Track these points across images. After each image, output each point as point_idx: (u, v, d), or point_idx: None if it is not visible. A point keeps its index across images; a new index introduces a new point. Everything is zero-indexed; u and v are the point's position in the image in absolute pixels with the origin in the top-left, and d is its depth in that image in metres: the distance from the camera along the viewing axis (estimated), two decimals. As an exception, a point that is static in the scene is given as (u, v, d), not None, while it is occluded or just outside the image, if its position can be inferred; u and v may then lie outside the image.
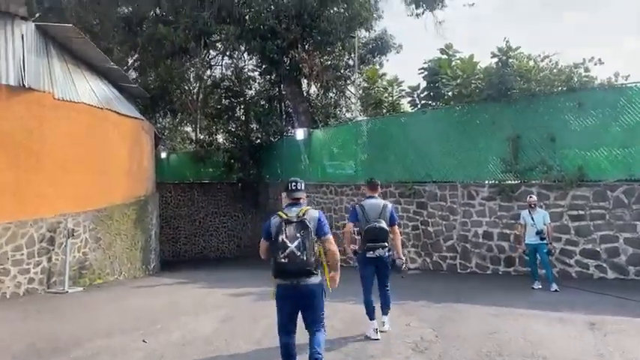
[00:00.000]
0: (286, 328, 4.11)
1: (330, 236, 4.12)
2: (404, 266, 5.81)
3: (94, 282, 11.74)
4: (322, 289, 4.07)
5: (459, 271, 11.29)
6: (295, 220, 3.97)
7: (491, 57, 10.98)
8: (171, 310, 7.70)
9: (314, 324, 4.06)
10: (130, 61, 22.14)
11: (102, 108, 12.50)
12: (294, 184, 4.25)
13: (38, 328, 6.68)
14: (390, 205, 5.66)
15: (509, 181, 10.72)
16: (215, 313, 7.24)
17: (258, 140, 21.15)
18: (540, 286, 8.64)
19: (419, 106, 13.37)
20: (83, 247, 11.52)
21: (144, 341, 5.66)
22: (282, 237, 3.86)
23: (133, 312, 7.71)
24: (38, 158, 10.31)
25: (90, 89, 12.32)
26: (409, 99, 13.55)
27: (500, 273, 10.59)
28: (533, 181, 10.36)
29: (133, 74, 21.75)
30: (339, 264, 4.18)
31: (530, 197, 8.88)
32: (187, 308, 7.78)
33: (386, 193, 12.82)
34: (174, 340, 5.71)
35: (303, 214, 4.02)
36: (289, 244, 3.83)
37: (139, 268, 14.23)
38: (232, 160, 21.28)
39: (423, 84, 13.26)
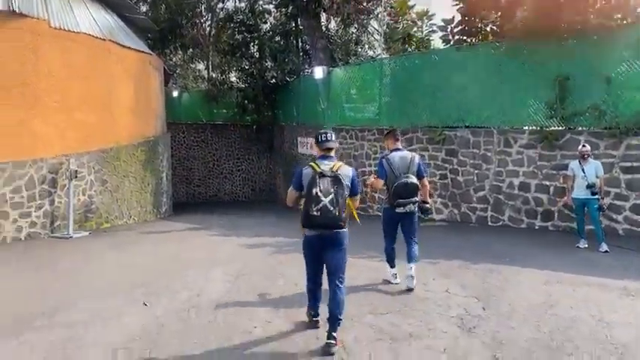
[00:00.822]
0: (314, 279, 4.24)
1: (359, 196, 4.24)
2: (428, 210, 5.72)
3: (101, 226, 11.16)
4: (347, 237, 4.10)
5: (489, 223, 10.43)
6: (329, 174, 3.92)
7: (541, -16, 9.57)
8: (180, 263, 7.02)
9: (336, 272, 4.07)
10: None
11: (104, 39, 11.44)
12: (324, 134, 4.15)
13: (28, 283, 6.04)
14: (417, 157, 5.45)
15: (553, 128, 9.63)
16: (227, 267, 6.53)
17: (273, 80, 19.96)
18: (587, 245, 7.77)
19: (452, 42, 12.06)
20: (88, 189, 10.84)
21: (144, 304, 4.96)
22: (315, 190, 3.84)
23: (137, 264, 7.04)
24: (34, 94, 9.42)
25: (91, 18, 11.23)
26: (441, 34, 12.21)
27: (536, 228, 9.72)
28: (581, 128, 9.26)
29: (143, 8, 20.42)
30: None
31: (584, 147, 7.82)
32: (197, 260, 7.10)
33: (412, 139, 11.83)
34: (179, 304, 5.00)
35: (337, 170, 3.98)
36: (323, 199, 3.83)
37: (149, 212, 13.63)
38: (246, 101, 20.22)
39: (458, 18, 11.88)
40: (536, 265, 6.49)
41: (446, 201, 11.28)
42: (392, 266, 5.62)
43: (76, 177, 9.94)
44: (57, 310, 4.86)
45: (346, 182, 3.97)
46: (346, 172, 4.05)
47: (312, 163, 4.04)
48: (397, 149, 5.48)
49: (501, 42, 10.50)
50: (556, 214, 9.53)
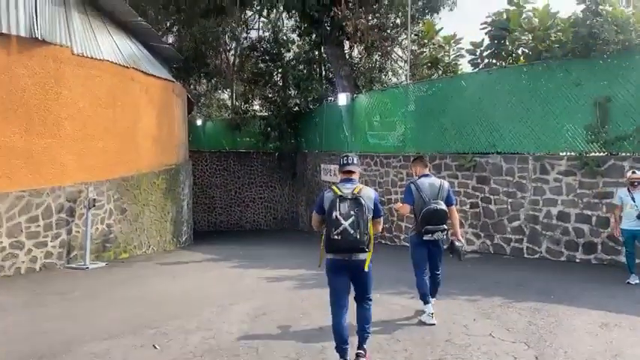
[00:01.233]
0: (339, 303, 4.03)
1: (382, 219, 4.20)
2: (463, 249, 5.59)
3: (120, 256, 10.85)
4: (370, 261, 4.02)
5: (525, 255, 9.76)
6: (349, 197, 3.88)
7: (577, 3, 9.13)
8: (196, 299, 6.58)
9: (364, 294, 4.10)
10: (167, 25, 20.99)
11: (128, 67, 11.37)
12: (346, 158, 4.17)
13: (32, 321, 5.65)
14: (447, 185, 5.34)
15: (594, 153, 9.02)
16: (246, 305, 6.06)
17: (297, 107, 19.78)
18: (638, 281, 7.07)
19: (481, 66, 11.63)
20: (107, 218, 10.59)
21: (154, 347, 4.52)
22: (335, 214, 3.81)
23: (151, 299, 6.63)
24: (55, 121, 9.28)
25: (114, 46, 11.18)
26: (470, 58, 11.80)
27: (577, 261, 9.02)
28: (625, 153, 8.64)
29: (169, 39, 20.64)
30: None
31: (634, 173, 7.20)
32: (214, 296, 6.65)
33: (440, 166, 11.32)
34: (192, 347, 4.53)
35: (358, 192, 3.95)
36: (343, 222, 3.79)
37: (169, 241, 13.33)
38: (269, 129, 20.06)
39: (487, 41, 11.48)
40: (586, 304, 5.85)
41: (477, 231, 10.66)
42: (426, 302, 5.30)
43: (95, 205, 9.69)
44: (57, 354, 4.45)
45: (368, 204, 3.93)
46: (368, 194, 4.01)
47: (334, 187, 4.02)
48: (425, 175, 5.39)
49: (535, 63, 10.03)
50: (599, 247, 8.84)
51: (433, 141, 11.74)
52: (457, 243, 5.38)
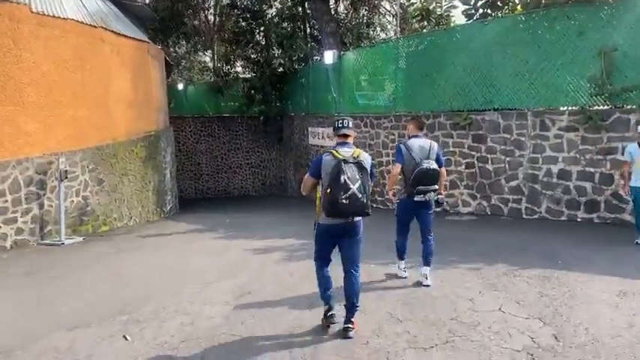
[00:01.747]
0: (324, 257, 4.14)
1: (373, 181, 4.16)
2: (444, 202, 5.69)
3: (99, 229, 10.28)
4: (363, 226, 4.08)
5: (524, 216, 9.35)
6: (352, 160, 3.86)
7: (582, -57, 8.40)
8: (176, 276, 6.06)
9: (353, 263, 4.05)
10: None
11: (96, 26, 10.48)
12: (341, 121, 4.11)
13: None
14: (436, 146, 5.29)
15: (598, 107, 8.50)
16: (230, 282, 5.56)
17: (281, 68, 18.91)
18: (646, 242, 6.69)
19: (475, 17, 10.92)
20: (83, 190, 9.95)
21: (125, 337, 4.00)
22: (344, 177, 3.76)
23: (128, 277, 6.11)
24: (17, 87, 8.49)
25: (80, 3, 10.27)
26: (464, 8, 11.07)
27: (578, 220, 8.62)
28: (632, 106, 8.12)
29: (145, -1, 19.43)
30: None
31: (645, 127, 6.71)
32: (196, 272, 6.14)
33: (434, 125, 10.76)
34: (167, 337, 4.02)
35: (358, 156, 3.92)
36: (351, 186, 3.76)
37: (152, 212, 12.75)
38: (252, 91, 19.23)
39: (482, -11, 10.74)
40: (597, 269, 5.44)
41: (473, 192, 10.21)
42: (401, 259, 5.53)
43: (67, 177, 9.03)
44: (12, 350, 3.91)
45: (368, 168, 3.93)
46: (366, 158, 3.99)
47: (332, 151, 3.94)
48: (416, 136, 5.31)
49: (534, 12, 9.35)
50: (602, 205, 8.43)
51: (426, 99, 11.13)
52: (439, 197, 5.29)
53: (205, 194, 21.84)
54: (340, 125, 4.08)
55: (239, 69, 20.97)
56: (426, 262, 5.30)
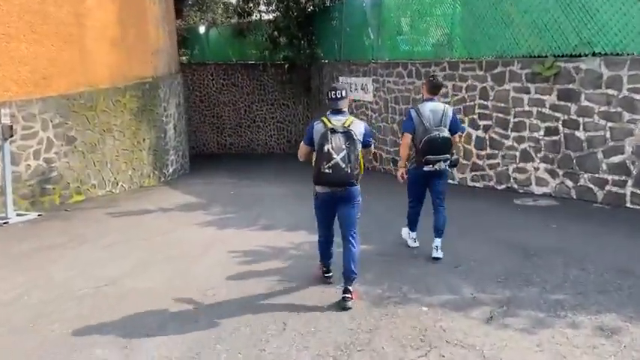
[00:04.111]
0: (325, 226, 4.12)
1: (372, 147, 4.10)
2: (457, 162, 5.14)
3: (70, 200, 8.24)
4: (359, 195, 3.97)
5: (628, 204, 6.71)
6: (341, 130, 3.79)
7: None
8: (97, 313, 3.87)
9: (349, 227, 3.97)
10: None
11: (63, -63, 8.05)
12: (334, 92, 3.96)
13: None
14: (451, 110, 4.84)
15: None
16: (175, 341, 3.30)
17: (310, 6, 16.11)
18: None
19: None
20: (45, 150, 7.85)
21: None
22: (327, 147, 3.73)
23: (24, 305, 3.95)
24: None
25: None
26: None
27: None
28: None
29: None
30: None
31: None
32: (136, 303, 3.93)
33: (503, 75, 8.07)
34: None
35: (349, 125, 3.84)
36: (335, 156, 3.72)
37: (147, 175, 10.64)
38: (277, 34, 16.57)
39: None
40: None
41: (554, 167, 7.57)
42: (413, 229, 5.19)
43: (12, 135, 6.88)
44: None
45: (358, 138, 3.84)
46: (358, 127, 3.90)
47: (324, 118, 3.91)
48: (429, 99, 4.89)
49: None
50: None
51: (493, 39, 8.35)
52: (453, 157, 4.87)
53: (228, 149, 19.91)
54: (334, 97, 3.95)
55: (262, 7, 18.23)
56: (438, 234, 4.87)
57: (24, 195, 7.47)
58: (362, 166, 3.93)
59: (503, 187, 8.25)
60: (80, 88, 8.54)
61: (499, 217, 6.49)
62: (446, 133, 4.65)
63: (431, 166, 4.69)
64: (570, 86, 7.26)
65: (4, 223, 6.62)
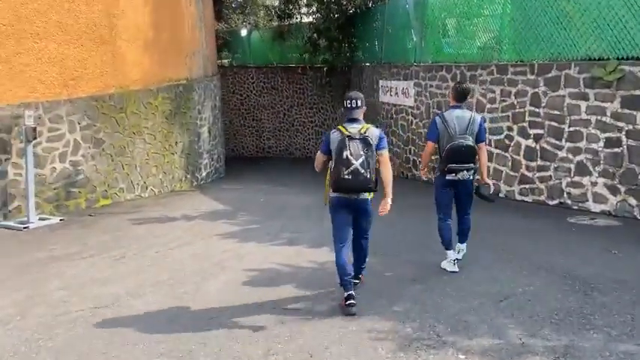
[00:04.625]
0: (343, 236, 4.01)
1: (385, 152, 4.01)
2: (491, 191, 4.99)
3: (97, 204, 8.06)
4: (370, 207, 4.01)
5: None
6: (358, 137, 3.83)
7: None
8: (111, 327, 3.49)
9: (363, 233, 4.13)
10: None
11: None
12: (349, 101, 3.99)
13: None
14: (479, 118, 4.71)
15: None
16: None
17: (352, 8, 15.61)
18: None
19: None
20: (71, 153, 7.68)
21: None
22: (346, 153, 3.77)
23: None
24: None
25: None
26: None
27: None
28: None
29: None
30: (390, 186, 3.99)
31: None
32: (145, 325, 3.53)
33: (558, 80, 7.31)
34: None
35: (365, 132, 3.87)
36: (354, 162, 3.77)
37: (179, 179, 10.41)
38: (317, 36, 16.17)
39: None
40: None
41: (615, 183, 6.76)
42: (448, 248, 4.78)
43: (35, 137, 6.69)
44: None
45: (375, 143, 3.86)
46: (374, 132, 3.94)
47: (340, 127, 3.95)
48: (457, 107, 4.73)
49: None
50: None
51: (546, 40, 7.61)
52: (483, 187, 4.81)
53: (267, 153, 19.76)
54: (349, 106, 3.98)
55: (304, 10, 17.87)
56: (462, 239, 4.84)
57: (49, 198, 7.31)
58: (385, 177, 3.97)
59: (555, 202, 7.48)
60: (110, 89, 8.36)
61: (551, 238, 5.77)
62: (470, 142, 4.55)
63: (454, 174, 4.61)
64: (636, 92, 6.45)
65: (25, 227, 6.44)
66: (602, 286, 4.09)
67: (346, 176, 3.74)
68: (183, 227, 6.63)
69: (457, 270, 4.65)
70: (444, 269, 4.71)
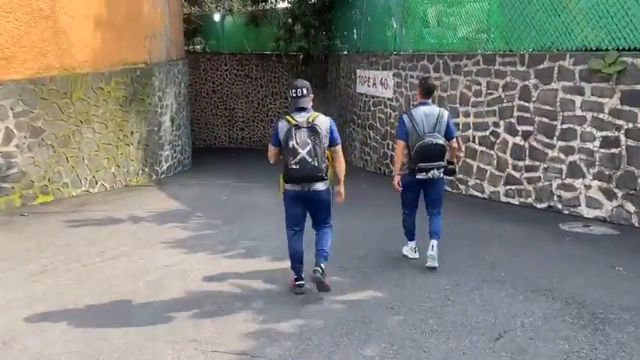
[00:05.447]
0: (294, 227, 3.98)
1: (339, 147, 4.00)
2: (455, 171, 4.99)
3: (35, 201, 7.11)
4: (330, 193, 3.99)
5: None
6: (305, 125, 3.76)
7: None
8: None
9: (323, 222, 4.03)
10: None
11: None
12: (295, 90, 3.89)
13: None
14: (447, 114, 4.64)
15: None
16: None
17: (329, -9, 14.76)
18: None
19: None
20: (3, 143, 6.71)
21: None
22: (292, 143, 3.72)
23: None
24: None
25: None
26: None
27: None
28: None
29: None
30: (343, 174, 4.03)
31: None
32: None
33: (551, 71, 6.64)
34: None
35: (313, 120, 3.80)
36: (300, 151, 3.70)
37: (136, 173, 9.48)
38: (290, 21, 15.30)
39: None
40: None
41: (611, 186, 6.13)
42: (410, 239, 4.84)
43: (-48, 125, 5.72)
44: None
45: (323, 132, 3.79)
46: (323, 121, 3.86)
47: (287, 116, 3.88)
48: (423, 103, 4.65)
49: None
50: None
51: (538, 28, 6.90)
52: (450, 166, 4.67)
53: (240, 144, 18.96)
54: (295, 95, 3.86)
55: (279, -4, 16.96)
56: (433, 237, 4.56)
57: (-26, 195, 6.36)
58: (329, 165, 3.93)
59: (543, 205, 6.83)
60: (52, 72, 7.38)
61: (544, 250, 5.10)
62: (440, 140, 4.46)
63: (424, 173, 4.50)
64: (638, 87, 5.80)
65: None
66: (613, 317, 3.40)
67: (294, 166, 3.68)
68: (126, 232, 5.75)
69: (418, 256, 4.71)
70: (406, 256, 4.78)
